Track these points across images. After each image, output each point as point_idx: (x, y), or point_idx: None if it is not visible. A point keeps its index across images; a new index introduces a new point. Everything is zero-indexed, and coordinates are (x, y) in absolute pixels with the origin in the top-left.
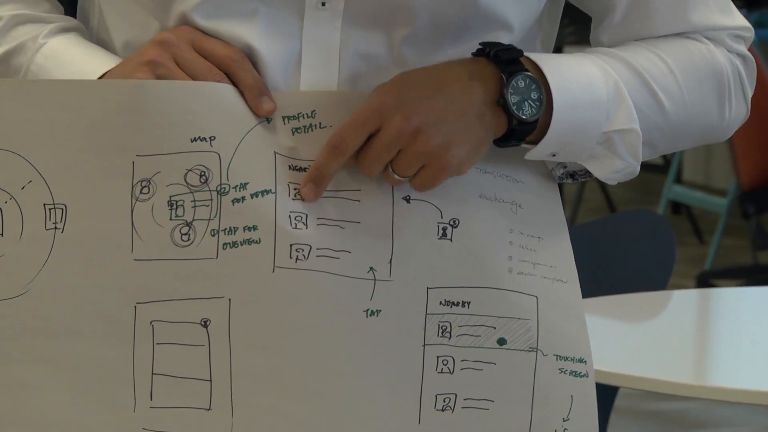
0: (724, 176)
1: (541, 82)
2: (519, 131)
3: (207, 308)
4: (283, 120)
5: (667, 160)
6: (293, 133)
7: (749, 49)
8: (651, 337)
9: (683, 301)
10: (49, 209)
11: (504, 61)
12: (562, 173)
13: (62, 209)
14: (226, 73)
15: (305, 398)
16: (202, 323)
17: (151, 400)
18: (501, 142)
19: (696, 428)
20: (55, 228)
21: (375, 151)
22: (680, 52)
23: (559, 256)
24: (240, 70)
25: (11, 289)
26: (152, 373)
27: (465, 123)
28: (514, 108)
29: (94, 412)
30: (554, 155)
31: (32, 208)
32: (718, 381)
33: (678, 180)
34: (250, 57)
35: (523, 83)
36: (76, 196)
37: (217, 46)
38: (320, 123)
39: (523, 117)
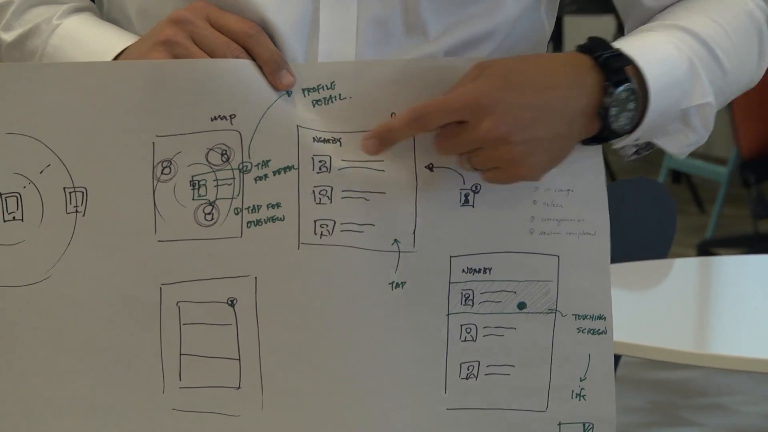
0: (725, 145)
1: (634, 75)
2: (607, 138)
3: (233, 287)
4: (303, 92)
5: None
6: (313, 106)
7: None
8: (652, 306)
9: (684, 269)
10: (69, 193)
11: (612, 69)
12: (634, 151)
13: (82, 192)
14: (243, 48)
15: (333, 373)
16: (229, 302)
17: (180, 380)
18: (584, 142)
19: (697, 397)
20: (76, 212)
21: (456, 141)
22: (726, 10)
23: (589, 208)
24: (257, 45)
25: (33, 275)
26: (180, 354)
27: (553, 137)
28: (612, 120)
29: (123, 394)
30: (637, 139)
31: (52, 193)
32: (719, 349)
33: None
34: (266, 28)
35: (624, 94)
36: (96, 179)
37: (233, 21)
38: (340, 94)
39: (618, 129)
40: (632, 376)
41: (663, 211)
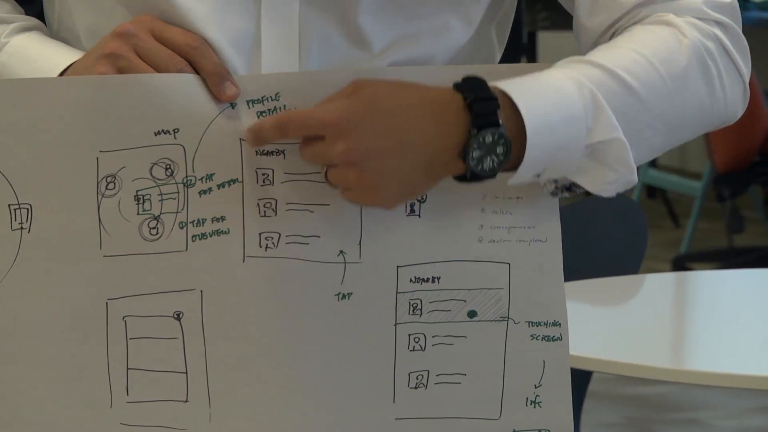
0: (699, 160)
1: (512, 109)
2: (471, 179)
3: (179, 301)
4: (248, 104)
5: None
6: (258, 117)
7: None
8: (627, 321)
9: (659, 284)
10: (14, 210)
11: (478, 113)
12: (554, 188)
13: (27, 209)
14: (187, 61)
15: (281, 386)
16: (175, 316)
17: (128, 395)
18: (458, 179)
19: (673, 412)
20: (21, 228)
21: (311, 152)
22: (656, 42)
23: (539, 215)
24: (200, 57)
25: None
26: (127, 368)
27: (408, 170)
28: (473, 163)
29: (69, 409)
30: (538, 176)
31: None
32: (694, 364)
33: (653, 164)
34: (209, 42)
35: (491, 138)
36: (41, 196)
37: (177, 33)
38: (285, 105)
39: (480, 172)
40: (607, 391)
41: (634, 227)
